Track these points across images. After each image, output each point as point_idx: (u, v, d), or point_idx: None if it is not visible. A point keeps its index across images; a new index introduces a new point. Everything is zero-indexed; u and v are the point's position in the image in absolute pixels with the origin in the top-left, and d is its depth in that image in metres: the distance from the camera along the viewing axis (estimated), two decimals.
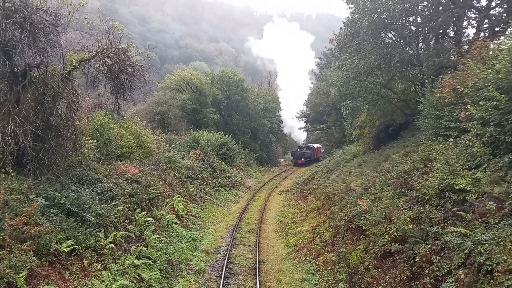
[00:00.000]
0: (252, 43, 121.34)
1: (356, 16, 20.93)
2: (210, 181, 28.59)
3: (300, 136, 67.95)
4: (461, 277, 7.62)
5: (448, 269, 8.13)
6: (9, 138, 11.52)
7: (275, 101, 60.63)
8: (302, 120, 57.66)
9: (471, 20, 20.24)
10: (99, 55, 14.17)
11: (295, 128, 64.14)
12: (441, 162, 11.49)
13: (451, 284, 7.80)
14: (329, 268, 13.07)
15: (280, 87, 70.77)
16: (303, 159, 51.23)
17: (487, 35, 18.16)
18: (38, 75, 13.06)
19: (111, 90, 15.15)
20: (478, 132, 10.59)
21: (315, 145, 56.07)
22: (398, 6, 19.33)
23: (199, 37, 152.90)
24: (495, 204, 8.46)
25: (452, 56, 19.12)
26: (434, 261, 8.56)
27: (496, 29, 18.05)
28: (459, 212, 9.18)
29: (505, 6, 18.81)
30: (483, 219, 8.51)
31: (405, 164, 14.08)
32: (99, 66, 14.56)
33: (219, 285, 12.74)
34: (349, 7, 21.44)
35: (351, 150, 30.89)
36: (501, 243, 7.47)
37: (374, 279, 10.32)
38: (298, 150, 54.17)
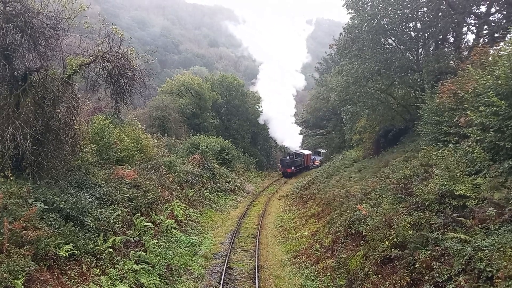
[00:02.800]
0: (232, 29, 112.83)
1: (356, 21, 21.02)
2: (209, 186, 28.52)
3: (290, 141, 58.63)
4: (461, 283, 7.59)
5: (448, 275, 8.10)
6: (8, 142, 11.51)
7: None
8: (302, 125, 57.05)
9: (470, 26, 20.35)
10: (99, 59, 14.18)
11: (284, 137, 57.67)
12: (441, 167, 11.47)
13: None
14: (328, 273, 13.02)
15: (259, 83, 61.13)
16: (293, 168, 45.54)
17: (486, 41, 18.24)
18: (38, 79, 13.06)
19: (111, 94, 15.14)
20: (478, 138, 10.61)
21: (305, 152, 52.76)
22: (398, 12, 19.41)
23: (199, 41, 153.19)
24: (495, 210, 8.44)
25: (451, 62, 19.18)
26: (434, 267, 8.53)
27: (496, 35, 18.14)
28: (459, 218, 9.15)
29: (505, 13, 18.92)
30: (483, 225, 8.49)
31: (405, 170, 14.07)
32: (99, 70, 14.58)
33: None
34: (349, 13, 21.55)
35: (351, 155, 30.87)
36: (501, 249, 7.45)
37: (374, 285, 10.28)
38: (288, 157, 47.91)
